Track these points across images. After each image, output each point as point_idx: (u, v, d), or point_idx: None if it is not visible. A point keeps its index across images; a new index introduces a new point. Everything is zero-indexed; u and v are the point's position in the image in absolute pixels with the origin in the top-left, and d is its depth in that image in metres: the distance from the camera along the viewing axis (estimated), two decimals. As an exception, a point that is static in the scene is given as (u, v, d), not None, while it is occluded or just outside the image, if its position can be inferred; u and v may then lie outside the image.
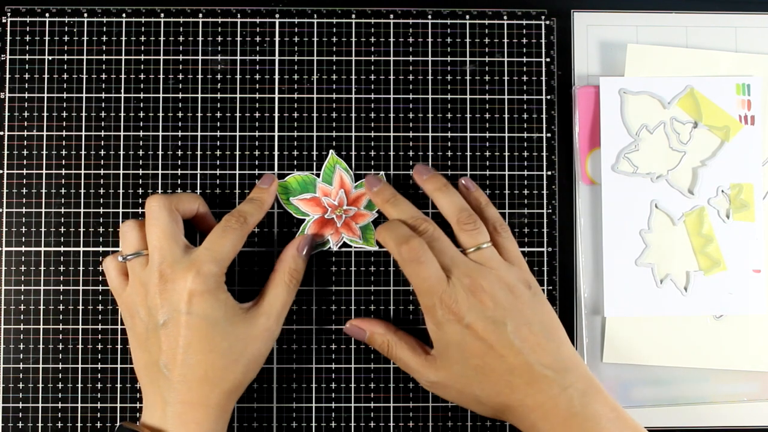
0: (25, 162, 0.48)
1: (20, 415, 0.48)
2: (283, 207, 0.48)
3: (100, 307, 0.48)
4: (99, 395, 0.48)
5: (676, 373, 0.49)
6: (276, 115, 0.49)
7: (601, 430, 0.40)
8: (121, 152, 0.49)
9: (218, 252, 0.42)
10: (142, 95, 0.49)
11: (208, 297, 0.41)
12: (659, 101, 0.49)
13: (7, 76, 0.49)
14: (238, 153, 0.49)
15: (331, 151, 0.49)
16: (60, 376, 0.48)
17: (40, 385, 0.48)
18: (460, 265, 0.43)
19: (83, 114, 0.49)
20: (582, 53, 0.50)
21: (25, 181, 0.48)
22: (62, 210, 0.48)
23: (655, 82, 0.49)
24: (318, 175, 0.49)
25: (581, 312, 0.49)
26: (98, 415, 0.48)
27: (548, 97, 0.49)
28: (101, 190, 0.48)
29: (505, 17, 0.50)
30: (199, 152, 0.49)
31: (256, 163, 0.49)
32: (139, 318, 0.43)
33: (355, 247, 0.48)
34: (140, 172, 0.49)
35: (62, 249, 0.48)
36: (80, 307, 0.48)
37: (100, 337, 0.48)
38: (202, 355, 0.41)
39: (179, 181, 0.48)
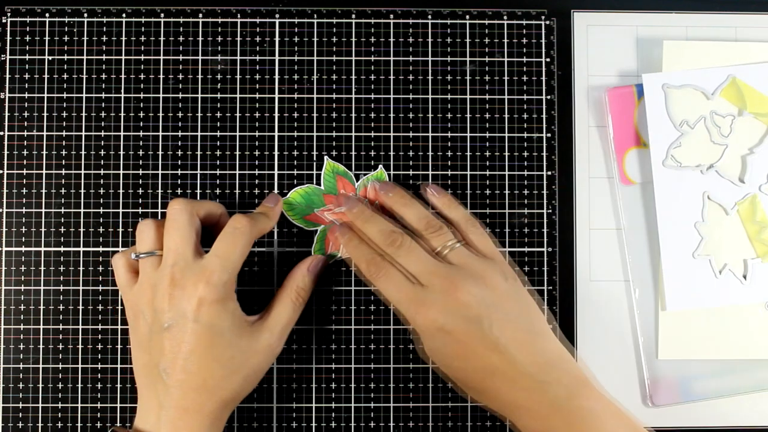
0: (25, 162, 0.48)
1: (20, 415, 0.48)
2: (292, 223, 0.48)
3: (100, 307, 0.48)
4: (99, 395, 0.48)
5: (692, 367, 0.48)
6: (276, 115, 0.49)
7: (588, 425, 0.40)
8: (121, 152, 0.49)
9: (228, 260, 0.42)
10: (142, 95, 0.49)
11: (217, 306, 0.41)
12: (702, 93, 0.48)
13: (7, 76, 0.49)
14: (238, 153, 0.49)
15: (325, 157, 0.49)
16: (60, 376, 0.48)
17: (40, 385, 0.48)
18: (431, 268, 0.43)
19: (83, 114, 0.49)
20: (582, 53, 0.50)
21: (25, 181, 0.48)
22: (62, 210, 0.48)
23: (697, 75, 0.48)
24: (319, 184, 0.49)
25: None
26: (98, 415, 0.48)
27: (548, 97, 0.49)
28: (101, 190, 0.48)
29: (505, 17, 0.50)
30: (199, 152, 0.49)
31: (256, 163, 0.49)
32: (144, 319, 0.42)
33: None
34: (140, 172, 0.49)
35: (62, 249, 0.48)
36: (80, 307, 0.48)
37: (100, 337, 0.48)
38: (203, 363, 0.41)
39: (179, 181, 0.48)
